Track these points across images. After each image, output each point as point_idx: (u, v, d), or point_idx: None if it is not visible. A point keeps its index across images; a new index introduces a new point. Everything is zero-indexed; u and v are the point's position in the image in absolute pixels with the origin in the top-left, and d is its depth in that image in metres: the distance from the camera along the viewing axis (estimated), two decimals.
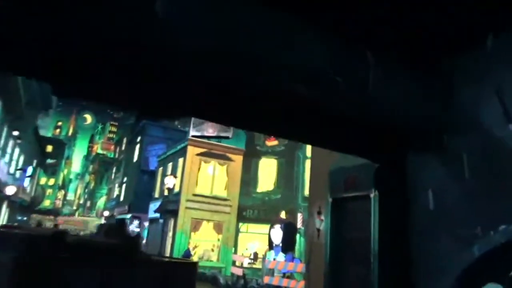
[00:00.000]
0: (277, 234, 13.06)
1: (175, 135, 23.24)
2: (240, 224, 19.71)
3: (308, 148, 19.96)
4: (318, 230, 8.08)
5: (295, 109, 3.47)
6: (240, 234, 19.54)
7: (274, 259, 12.35)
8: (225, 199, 19.51)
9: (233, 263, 17.87)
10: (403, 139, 4.46)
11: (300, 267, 10.69)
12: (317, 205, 8.30)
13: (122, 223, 9.38)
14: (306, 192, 19.34)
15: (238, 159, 20.34)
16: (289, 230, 12.97)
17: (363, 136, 4.27)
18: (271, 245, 13.50)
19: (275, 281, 11.32)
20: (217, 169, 19.81)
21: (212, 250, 18.95)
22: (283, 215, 14.27)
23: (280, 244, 12.94)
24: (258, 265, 18.09)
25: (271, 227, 13.49)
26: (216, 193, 19.37)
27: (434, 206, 4.31)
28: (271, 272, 12.99)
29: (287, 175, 19.56)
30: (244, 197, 19.87)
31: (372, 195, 6.62)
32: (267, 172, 20.21)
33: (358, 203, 7.25)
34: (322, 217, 8.00)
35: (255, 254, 18.96)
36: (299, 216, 18.33)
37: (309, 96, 3.07)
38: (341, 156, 7.67)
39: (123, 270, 4.30)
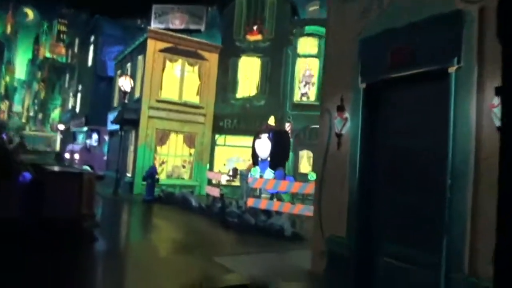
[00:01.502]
0: (264, 146, 10.50)
1: (138, 35, 19.07)
2: (217, 136, 17.09)
3: (300, 43, 16.65)
4: (339, 135, 5.34)
5: None
6: (216, 148, 17.05)
7: (261, 177, 9.94)
8: (197, 107, 16.55)
9: (208, 181, 15.65)
10: None
11: (309, 187, 8.27)
12: (336, 98, 5.46)
13: None
14: (297, 97, 16.58)
15: (213, 57, 16.92)
16: (281, 140, 10.42)
17: None
18: (255, 160, 11.02)
19: (262, 204, 8.98)
20: (187, 70, 16.45)
21: (183, 166, 16.54)
22: (271, 121, 11.59)
23: (268, 158, 10.44)
24: (237, 182, 15.95)
25: (256, 136, 10.86)
26: (186, 99, 16.30)
27: None
28: (255, 193, 10.70)
29: (273, 77, 16.49)
30: (220, 104, 16.94)
31: (452, 69, 3.81)
32: (249, 74, 17.05)
33: (417, 87, 4.41)
34: (346, 115, 5.19)
35: (235, 170, 16.69)
36: (287, 126, 15.80)
37: None
38: (381, 15, 4.65)
39: None
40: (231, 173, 16.75)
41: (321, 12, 18.66)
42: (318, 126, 16.47)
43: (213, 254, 6.40)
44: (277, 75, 16.48)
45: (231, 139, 16.97)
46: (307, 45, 16.60)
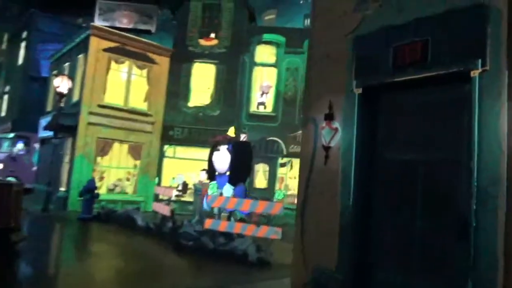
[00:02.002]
0: (224, 159, 9.58)
1: (79, 32, 17.24)
2: (166, 147, 15.84)
3: (258, 51, 16.09)
4: (327, 148, 4.62)
5: None
6: (165, 160, 15.76)
7: (221, 194, 8.98)
8: (145, 114, 15.23)
9: (156, 197, 14.32)
10: None
11: (277, 207, 7.45)
12: (323, 104, 4.75)
13: None
14: (253, 107, 15.91)
15: (164, 61, 15.76)
16: (242, 153, 9.56)
17: None
18: (212, 174, 10.03)
19: (221, 226, 8.02)
20: (135, 73, 15.12)
21: (128, 179, 15.04)
22: (231, 132, 10.71)
23: (227, 173, 9.52)
24: (188, 197, 14.81)
25: (214, 148, 9.90)
26: (133, 105, 14.92)
27: None
28: (212, 212, 9.72)
29: (229, 85, 15.69)
30: (171, 113, 15.76)
31: (475, 73, 3.22)
32: (203, 81, 16.10)
33: (428, 92, 3.83)
34: (336, 124, 4.48)
35: (185, 184, 15.55)
36: (243, 137, 15.02)
37: None
38: (382, 8, 4.05)
39: None
40: (180, 187, 15.58)
41: (277, 22, 18.34)
42: (275, 138, 15.90)
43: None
44: (233, 84, 15.71)
45: (182, 151, 15.80)
46: (265, 53, 16.08)
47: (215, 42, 15.97)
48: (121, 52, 14.58)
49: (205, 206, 9.61)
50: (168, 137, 15.70)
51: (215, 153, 9.78)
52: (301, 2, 19.58)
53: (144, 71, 15.34)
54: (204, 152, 15.56)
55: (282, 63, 15.76)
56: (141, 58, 15.11)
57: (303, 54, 15.77)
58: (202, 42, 16.05)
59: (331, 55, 4.66)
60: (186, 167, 15.71)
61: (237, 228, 7.96)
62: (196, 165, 15.66)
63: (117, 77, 14.74)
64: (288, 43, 15.73)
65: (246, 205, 7.99)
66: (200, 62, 16.04)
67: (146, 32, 16.37)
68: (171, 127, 15.73)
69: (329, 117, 4.46)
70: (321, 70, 4.83)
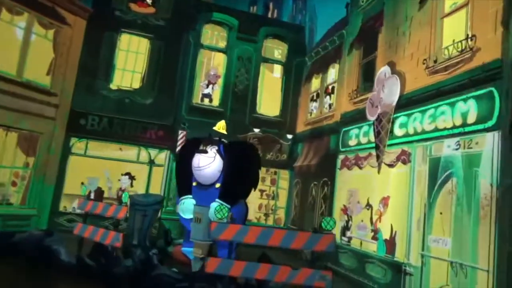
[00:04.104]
0: (212, 165, 6.85)
1: None
2: (73, 140, 11.79)
3: (206, 32, 13.40)
4: None
5: None
6: (71, 158, 11.68)
7: (198, 217, 6.27)
8: (47, 92, 11.03)
9: (54, 210, 10.39)
10: None
11: (325, 241, 5.13)
12: None
13: None
14: (197, 99, 13.18)
15: (79, 24, 11.75)
16: (242, 156, 6.99)
17: None
18: (186, 186, 7.18)
19: (235, 269, 5.44)
20: (37, 33, 10.78)
21: (14, 184, 10.59)
22: (221, 127, 7.97)
23: (217, 185, 6.87)
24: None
25: (202, 150, 7.04)
26: (30, 77, 10.56)
27: None
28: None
29: (167, 68, 12.57)
30: (84, 94, 11.83)
31: None
32: (132, 59, 12.57)
33: None
34: None
35: (99, 193, 11.85)
36: (180, 135, 12.24)
37: None
38: None
39: None
40: (92, 195, 11.90)
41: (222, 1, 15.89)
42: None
43: None
44: (172, 67, 12.63)
45: (97, 147, 11.96)
46: (214, 35, 13.47)
47: (151, 10, 12.64)
48: None
49: (197, 236, 6.70)
50: (78, 127, 11.69)
51: (199, 157, 6.95)
52: None
53: (50, 32, 11.08)
54: (130, 151, 12.21)
55: (234, 50, 13.38)
56: (47, 12, 10.83)
57: (258, 44, 13.73)
58: (134, 7, 12.54)
59: None
60: (101, 169, 11.94)
61: (262, 271, 5.46)
62: (119, 167, 12.11)
63: (10, 34, 10.21)
64: (241, 28, 13.44)
65: (277, 238, 5.56)
66: (130, 33, 12.50)
67: None
68: (83, 114, 11.77)
69: None
70: None
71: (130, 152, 12.21)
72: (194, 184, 7.25)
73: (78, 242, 7.38)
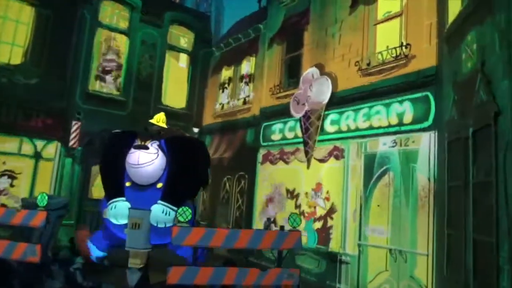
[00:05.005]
0: (153, 162, 6.06)
1: None
2: None
3: (105, 9, 11.88)
4: None
5: None
6: None
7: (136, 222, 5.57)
8: None
9: None
10: None
11: (291, 239, 5.02)
12: None
13: None
14: (94, 85, 11.70)
15: None
16: (187, 152, 6.33)
17: None
18: (116, 186, 6.23)
19: (200, 277, 4.99)
20: None
21: None
22: (159, 120, 6.98)
23: (158, 185, 6.14)
24: None
25: (141, 145, 6.12)
26: None
27: None
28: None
29: (57, 44, 10.67)
30: None
31: None
32: (11, 28, 10.25)
33: None
34: None
35: None
36: (74, 126, 10.73)
37: None
38: None
39: None
40: None
41: None
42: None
43: None
44: (64, 44, 10.80)
45: None
46: (115, 14, 11.97)
47: None
48: None
49: (135, 244, 5.78)
50: None
51: (139, 153, 6.06)
52: None
53: None
54: (9, 143, 9.90)
55: (137, 34, 12.10)
56: None
57: (163, 29, 12.78)
58: None
59: None
60: None
61: (230, 276, 5.10)
62: None
63: None
64: (145, 9, 12.25)
65: (244, 239, 5.24)
66: None
67: None
68: None
69: None
70: None
71: (9, 144, 10.00)
72: (127, 184, 6.28)
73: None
